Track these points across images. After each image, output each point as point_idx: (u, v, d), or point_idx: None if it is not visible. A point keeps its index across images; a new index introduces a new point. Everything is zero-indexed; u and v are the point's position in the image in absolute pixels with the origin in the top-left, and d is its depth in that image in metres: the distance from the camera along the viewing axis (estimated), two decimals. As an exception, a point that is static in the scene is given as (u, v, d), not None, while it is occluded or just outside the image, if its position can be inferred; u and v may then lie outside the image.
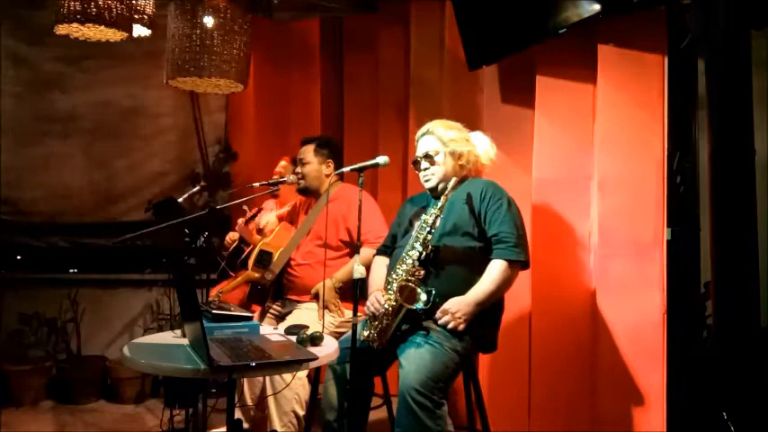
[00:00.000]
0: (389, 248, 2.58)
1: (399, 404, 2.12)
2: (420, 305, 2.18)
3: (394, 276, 2.28)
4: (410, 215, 2.53)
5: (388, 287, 2.28)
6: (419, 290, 2.19)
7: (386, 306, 2.24)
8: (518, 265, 2.32)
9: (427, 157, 2.43)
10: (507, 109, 3.18)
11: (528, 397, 2.99)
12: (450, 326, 2.20)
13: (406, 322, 2.26)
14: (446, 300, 2.25)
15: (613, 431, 2.72)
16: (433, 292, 2.21)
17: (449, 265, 2.29)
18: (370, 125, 4.11)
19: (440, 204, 2.30)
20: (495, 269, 2.28)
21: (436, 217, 2.28)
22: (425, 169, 2.45)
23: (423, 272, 2.23)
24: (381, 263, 2.57)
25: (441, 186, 2.42)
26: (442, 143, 2.43)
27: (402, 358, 2.21)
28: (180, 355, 1.98)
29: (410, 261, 2.26)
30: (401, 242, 2.48)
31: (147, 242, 3.97)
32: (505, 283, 2.30)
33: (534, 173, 3.01)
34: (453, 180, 2.34)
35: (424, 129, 2.50)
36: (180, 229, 2.99)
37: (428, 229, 2.27)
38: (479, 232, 2.33)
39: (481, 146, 2.49)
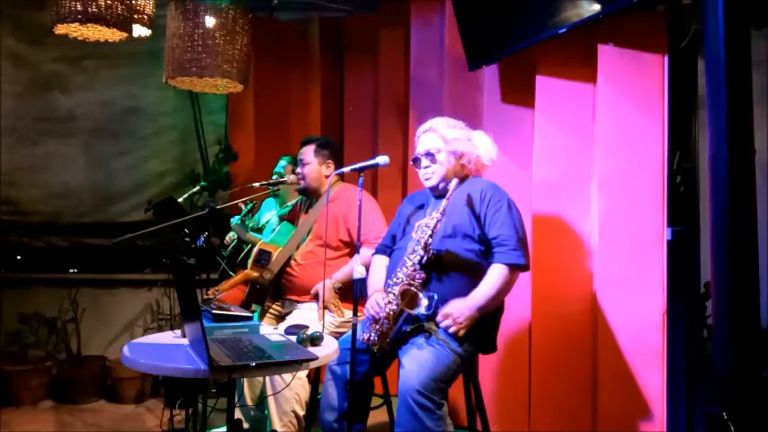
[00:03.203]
0: (389, 248, 2.57)
1: (400, 404, 2.12)
2: (422, 311, 2.17)
3: (395, 280, 2.27)
4: (408, 214, 2.52)
5: (389, 291, 2.27)
6: (421, 295, 2.18)
7: (387, 310, 2.23)
8: (518, 268, 2.30)
9: (428, 155, 2.41)
10: (507, 109, 3.18)
11: (528, 397, 2.99)
12: (451, 330, 2.20)
13: (408, 324, 2.25)
14: (447, 303, 2.24)
15: (613, 431, 2.72)
16: (435, 297, 2.19)
17: (450, 269, 2.29)
18: (370, 125, 4.11)
19: (441, 207, 2.26)
20: (496, 273, 2.27)
21: (437, 221, 2.25)
22: (426, 167, 2.42)
23: (424, 275, 2.23)
24: (380, 262, 2.56)
25: (441, 185, 2.41)
26: (443, 141, 2.41)
27: (403, 359, 2.20)
28: (180, 355, 1.98)
29: (411, 264, 2.24)
30: (400, 243, 2.47)
31: (147, 242, 3.99)
32: (506, 287, 2.29)
33: (534, 173, 3.02)
34: (454, 181, 2.31)
35: (426, 126, 2.48)
36: (180, 229, 2.99)
37: (429, 232, 2.24)
38: (480, 235, 2.32)
39: (483, 145, 2.47)
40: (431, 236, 2.24)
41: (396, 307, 2.22)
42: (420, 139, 2.48)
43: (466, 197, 2.35)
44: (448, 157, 2.40)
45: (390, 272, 2.38)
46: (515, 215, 2.35)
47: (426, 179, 2.44)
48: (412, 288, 2.21)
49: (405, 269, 2.25)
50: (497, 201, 2.34)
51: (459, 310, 2.21)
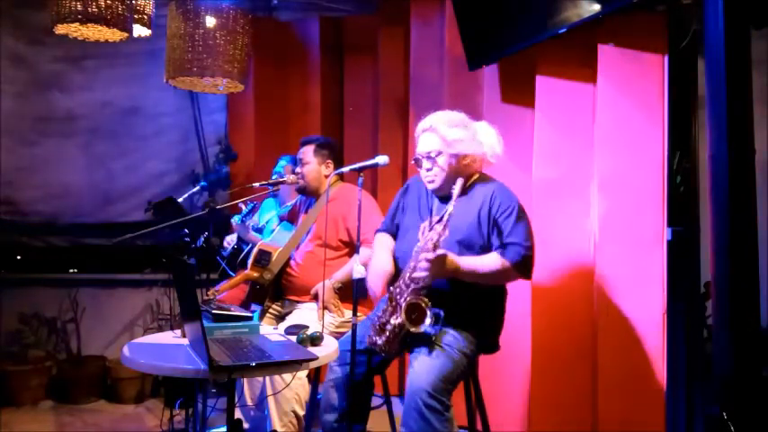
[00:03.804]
0: (390, 229, 2.52)
1: (408, 406, 2.09)
2: (427, 328, 2.12)
3: (399, 290, 2.20)
4: (415, 206, 2.44)
5: (395, 295, 2.21)
6: (428, 312, 2.11)
7: (392, 322, 2.17)
8: (520, 273, 2.24)
9: (429, 158, 2.32)
10: (507, 109, 3.19)
11: (528, 397, 2.99)
12: (421, 265, 2.12)
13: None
14: (451, 320, 2.19)
15: (613, 431, 2.72)
16: (441, 314, 2.12)
17: (455, 279, 2.22)
18: (371, 125, 4.11)
19: (444, 220, 2.15)
20: (496, 261, 2.20)
21: (439, 235, 2.15)
22: (428, 170, 2.33)
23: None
24: (383, 241, 2.49)
25: (445, 188, 2.32)
26: (444, 143, 2.30)
27: (413, 359, 2.17)
28: (180, 355, 1.98)
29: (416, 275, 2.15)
30: (403, 245, 2.40)
31: (146, 242, 3.99)
32: (495, 279, 2.24)
33: (534, 173, 3.02)
34: (459, 183, 2.20)
35: (425, 123, 2.36)
36: (180, 229, 2.98)
37: (431, 246, 2.14)
38: (486, 245, 2.27)
39: (487, 141, 2.35)
40: (435, 246, 2.15)
41: (400, 320, 2.15)
42: (420, 138, 2.37)
43: (472, 205, 2.27)
44: (449, 160, 2.30)
45: (393, 279, 2.32)
46: (526, 223, 2.27)
47: (429, 182, 2.36)
48: (421, 303, 2.13)
49: (411, 281, 2.17)
50: (507, 207, 2.26)
51: (440, 265, 2.12)
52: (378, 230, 2.58)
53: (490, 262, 2.21)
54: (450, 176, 2.31)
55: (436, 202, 2.41)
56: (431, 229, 2.23)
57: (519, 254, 2.21)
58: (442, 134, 2.31)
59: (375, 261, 2.41)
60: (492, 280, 2.25)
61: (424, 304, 2.14)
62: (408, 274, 2.19)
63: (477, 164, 2.37)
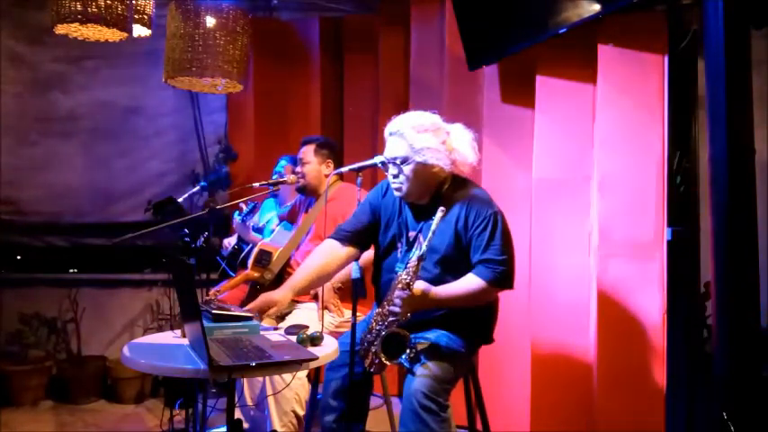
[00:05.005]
0: (347, 234, 2.38)
1: (404, 407, 2.09)
2: (405, 362, 2.09)
3: (380, 318, 2.15)
4: (394, 215, 2.34)
5: (376, 320, 2.18)
6: (408, 346, 2.07)
7: (373, 350, 2.13)
8: (501, 290, 2.20)
9: (395, 165, 2.20)
10: (507, 109, 3.19)
11: (528, 397, 2.99)
12: (396, 301, 2.08)
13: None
14: (443, 319, 2.19)
15: (613, 431, 2.72)
16: (417, 349, 2.10)
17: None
18: (370, 125, 4.11)
19: (423, 249, 2.05)
20: (473, 284, 2.14)
21: (410, 277, 2.05)
22: (395, 177, 2.22)
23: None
24: (324, 251, 2.38)
25: (414, 197, 2.24)
26: (411, 150, 2.16)
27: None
28: (180, 355, 1.98)
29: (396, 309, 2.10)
30: (387, 261, 2.34)
31: (147, 242, 3.99)
32: (476, 300, 2.19)
33: (534, 173, 3.02)
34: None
35: (393, 126, 2.22)
36: (180, 229, 2.99)
37: (411, 275, 2.06)
38: (467, 262, 2.20)
39: (460, 148, 2.21)
40: (414, 275, 2.08)
41: (377, 350, 2.10)
42: (387, 141, 2.24)
43: (447, 222, 2.18)
44: (416, 167, 2.17)
45: (381, 295, 2.30)
46: (501, 234, 2.15)
47: (396, 189, 2.25)
48: (399, 334, 2.07)
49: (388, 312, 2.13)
50: (481, 221, 2.16)
51: (414, 300, 2.08)
52: (333, 234, 2.41)
53: (467, 284, 2.15)
54: (416, 184, 2.21)
55: (409, 214, 2.31)
56: (408, 250, 2.20)
57: (494, 270, 2.13)
58: (409, 140, 2.17)
59: (290, 280, 2.34)
60: (473, 301, 2.19)
61: (404, 338, 2.08)
62: (387, 305, 2.13)
63: (447, 172, 2.24)
